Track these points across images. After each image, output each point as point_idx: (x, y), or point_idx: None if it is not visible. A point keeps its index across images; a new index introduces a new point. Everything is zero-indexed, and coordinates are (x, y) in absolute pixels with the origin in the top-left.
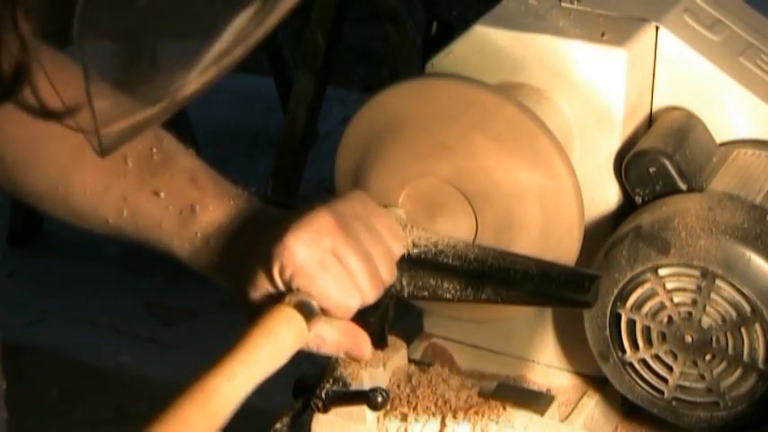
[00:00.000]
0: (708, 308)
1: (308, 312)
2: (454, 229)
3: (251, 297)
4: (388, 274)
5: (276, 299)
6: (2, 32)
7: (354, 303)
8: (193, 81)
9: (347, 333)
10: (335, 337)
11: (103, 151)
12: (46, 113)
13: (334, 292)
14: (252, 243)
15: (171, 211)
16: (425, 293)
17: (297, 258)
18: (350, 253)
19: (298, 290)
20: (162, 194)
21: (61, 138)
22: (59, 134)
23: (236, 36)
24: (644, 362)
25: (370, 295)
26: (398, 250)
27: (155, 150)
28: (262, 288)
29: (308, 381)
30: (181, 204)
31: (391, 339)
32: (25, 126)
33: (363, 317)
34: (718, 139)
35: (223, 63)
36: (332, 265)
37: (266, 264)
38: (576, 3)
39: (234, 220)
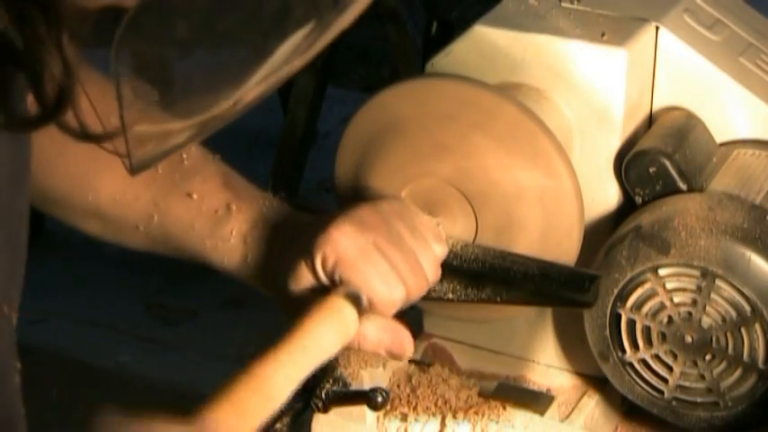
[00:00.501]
0: (708, 308)
1: (358, 304)
2: (454, 229)
3: (291, 291)
4: (433, 273)
5: (317, 293)
6: (45, 55)
7: (398, 296)
8: (238, 99)
9: (389, 330)
10: (377, 333)
11: (135, 170)
12: (86, 136)
13: (378, 282)
14: (290, 239)
15: (204, 212)
16: (426, 293)
17: (340, 247)
18: (393, 247)
19: (341, 281)
20: (195, 196)
21: (90, 148)
22: (89, 145)
23: (286, 56)
24: (644, 362)
25: (415, 289)
26: (441, 252)
27: (185, 156)
28: (303, 280)
29: (308, 381)
30: (215, 205)
31: None
32: (54, 136)
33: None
34: (718, 139)
35: (270, 81)
36: (375, 257)
37: (309, 254)
38: (575, 3)
39: (270, 219)
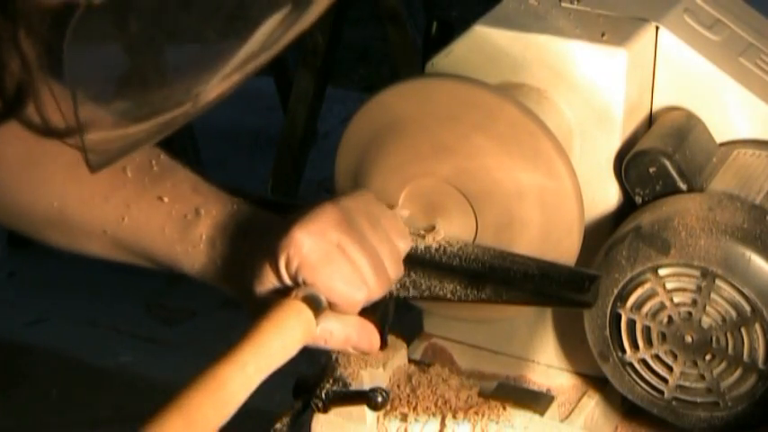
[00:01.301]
0: (708, 308)
1: (315, 305)
2: (454, 229)
3: (256, 293)
4: (395, 270)
5: (282, 294)
6: (3, 51)
7: (360, 297)
8: (198, 97)
9: (355, 327)
10: (344, 330)
11: (96, 167)
12: (49, 132)
13: (340, 284)
14: (257, 241)
15: (174, 216)
16: (426, 293)
17: (303, 250)
18: (356, 247)
19: (305, 283)
20: (165, 199)
21: (56, 154)
22: (54, 151)
23: (245, 56)
24: (644, 362)
25: (377, 290)
26: (404, 247)
27: (154, 162)
28: (267, 282)
29: (308, 381)
30: (185, 209)
31: (391, 339)
32: (18, 146)
33: (364, 316)
34: (718, 139)
35: (232, 79)
36: (338, 258)
37: (272, 257)
38: (576, 3)
39: (238, 222)
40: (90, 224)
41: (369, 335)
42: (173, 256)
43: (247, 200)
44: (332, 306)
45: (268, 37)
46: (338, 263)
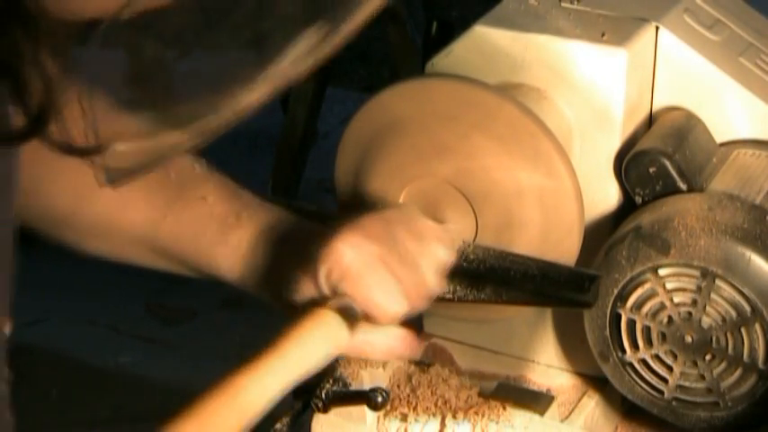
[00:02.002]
0: (708, 308)
1: (348, 317)
2: (454, 230)
3: (295, 302)
4: (436, 283)
5: (318, 304)
6: (25, 68)
7: (400, 310)
8: (235, 108)
9: (397, 337)
10: (386, 341)
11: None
12: (72, 151)
13: (380, 296)
14: (298, 250)
15: (216, 217)
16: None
17: (344, 260)
18: (397, 260)
19: (342, 294)
20: (209, 199)
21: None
22: None
23: (294, 59)
24: (644, 362)
25: (417, 303)
26: (447, 258)
27: (196, 166)
28: (306, 291)
29: (308, 381)
30: (227, 211)
31: None
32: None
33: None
34: (718, 139)
35: (265, 91)
36: (379, 271)
37: (312, 266)
38: (576, 3)
39: (280, 229)
40: (130, 228)
41: (410, 344)
42: (212, 259)
43: (288, 209)
44: (370, 318)
45: (306, 46)
46: (379, 275)
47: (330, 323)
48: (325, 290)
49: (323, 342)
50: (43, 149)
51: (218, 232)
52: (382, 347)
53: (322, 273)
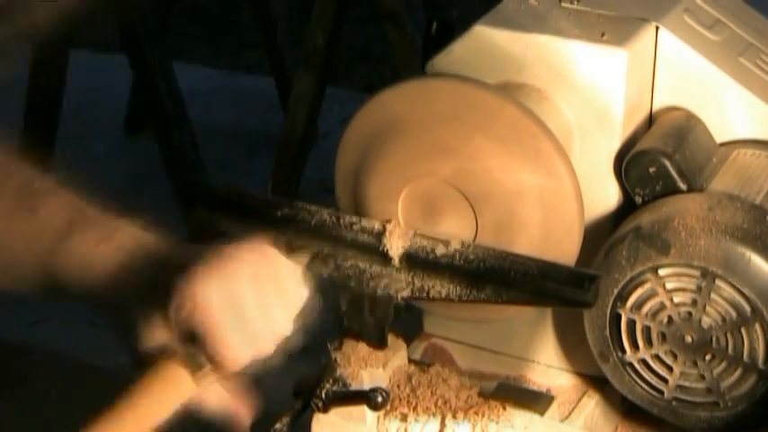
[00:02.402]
0: (708, 308)
1: (195, 366)
2: (454, 229)
3: (143, 344)
4: (287, 327)
5: (166, 349)
6: None
7: (246, 356)
8: None
9: (233, 393)
10: (220, 397)
11: None
12: None
13: (229, 338)
14: (154, 274)
15: (50, 228)
16: (426, 293)
17: (197, 298)
18: (251, 302)
19: (187, 342)
20: (41, 211)
21: None
22: None
23: None
24: (644, 362)
25: (264, 349)
26: (302, 297)
27: (36, 182)
28: (155, 332)
29: (308, 381)
30: (65, 222)
31: (391, 339)
32: None
33: (362, 317)
34: (718, 139)
35: None
36: (232, 311)
37: (165, 301)
38: (575, 3)
39: (142, 248)
40: None
41: (244, 405)
42: (53, 269)
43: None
44: (215, 364)
45: None
46: (231, 318)
47: (176, 375)
48: (176, 326)
49: (169, 394)
50: None
51: (55, 242)
52: (215, 402)
53: (173, 306)
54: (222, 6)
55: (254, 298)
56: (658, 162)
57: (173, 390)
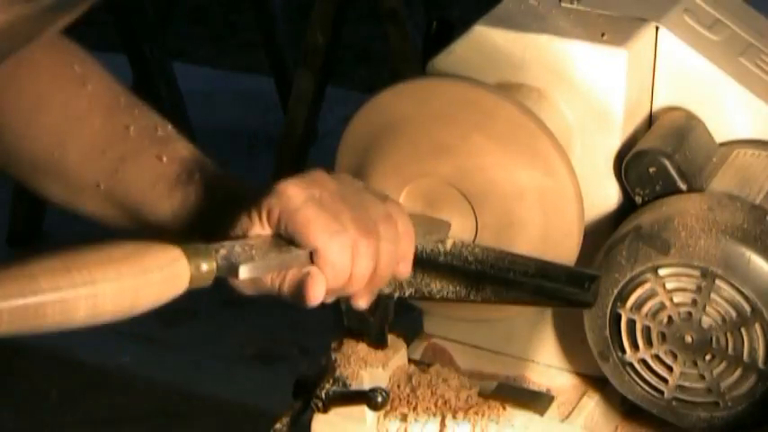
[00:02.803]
0: (708, 308)
1: (198, 261)
2: (454, 229)
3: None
4: (389, 271)
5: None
6: None
7: (346, 244)
8: None
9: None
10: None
11: None
12: None
13: (321, 232)
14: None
15: (168, 173)
16: (426, 293)
17: (284, 198)
18: (339, 199)
19: (287, 232)
20: (164, 159)
21: (63, 104)
22: (62, 101)
23: None
24: (644, 362)
25: (380, 267)
26: (411, 248)
27: (159, 128)
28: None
29: (308, 381)
30: (180, 170)
31: (391, 339)
32: (30, 92)
33: (363, 317)
34: (718, 139)
35: None
36: (321, 205)
37: (254, 208)
38: (575, 3)
39: (231, 188)
40: (86, 177)
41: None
42: (155, 214)
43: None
44: (317, 258)
45: None
46: (320, 209)
47: (173, 264)
48: (267, 228)
49: (162, 288)
50: (27, 91)
51: (167, 187)
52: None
53: (264, 212)
54: (222, 6)
55: (341, 198)
56: (658, 162)
57: (170, 278)
